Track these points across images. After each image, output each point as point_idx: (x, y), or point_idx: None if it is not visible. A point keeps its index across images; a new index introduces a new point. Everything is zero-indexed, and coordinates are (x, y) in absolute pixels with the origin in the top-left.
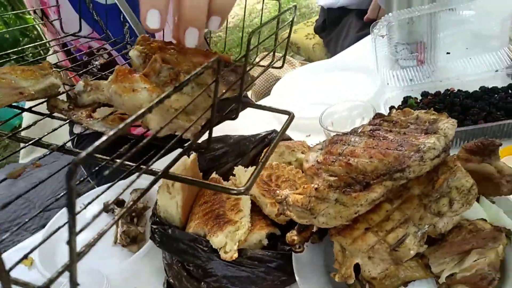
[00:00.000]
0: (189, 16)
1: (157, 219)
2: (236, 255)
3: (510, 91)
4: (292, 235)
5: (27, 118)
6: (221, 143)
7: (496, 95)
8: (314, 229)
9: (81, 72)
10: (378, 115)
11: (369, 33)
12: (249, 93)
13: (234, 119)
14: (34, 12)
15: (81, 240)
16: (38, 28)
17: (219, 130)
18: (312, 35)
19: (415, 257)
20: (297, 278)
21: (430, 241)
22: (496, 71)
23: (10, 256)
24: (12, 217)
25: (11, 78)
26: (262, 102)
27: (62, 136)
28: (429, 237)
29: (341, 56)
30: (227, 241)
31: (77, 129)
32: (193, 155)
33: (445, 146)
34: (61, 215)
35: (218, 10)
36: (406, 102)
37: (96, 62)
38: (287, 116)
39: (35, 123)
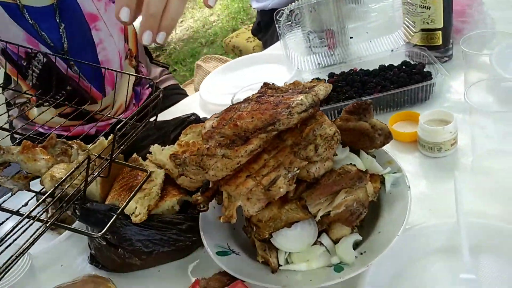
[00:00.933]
0: (145, 22)
1: (79, 196)
2: (145, 217)
3: (403, 67)
4: (196, 196)
5: None
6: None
7: (390, 72)
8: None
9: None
10: (265, 85)
11: None
12: (191, 87)
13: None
14: None
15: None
16: None
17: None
18: (252, 38)
19: (295, 200)
20: (201, 233)
21: (307, 186)
22: (392, 50)
23: None
24: None
25: None
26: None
27: None
28: (305, 182)
29: (267, 51)
30: (136, 206)
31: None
32: (110, 136)
33: (313, 103)
34: None
35: (167, 26)
36: (332, 77)
37: (36, 69)
38: None
39: None
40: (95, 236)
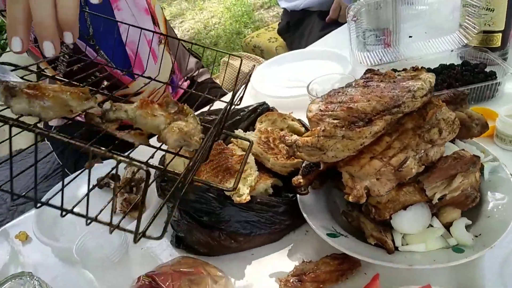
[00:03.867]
0: (38, 32)
1: (165, 178)
2: (249, 197)
3: (463, 67)
4: (297, 179)
5: None
6: (214, 115)
7: (453, 70)
8: (320, 170)
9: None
10: (369, 70)
11: (331, 30)
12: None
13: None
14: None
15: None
16: None
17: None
18: (275, 38)
19: (412, 183)
20: (304, 215)
21: (424, 170)
22: (452, 51)
23: (7, 231)
24: None
25: (65, 97)
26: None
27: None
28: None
29: (309, 48)
30: (240, 186)
31: (52, 122)
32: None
33: (430, 88)
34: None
35: (65, 25)
36: None
37: (66, 55)
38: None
39: None
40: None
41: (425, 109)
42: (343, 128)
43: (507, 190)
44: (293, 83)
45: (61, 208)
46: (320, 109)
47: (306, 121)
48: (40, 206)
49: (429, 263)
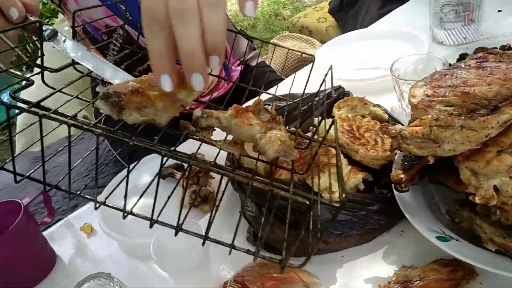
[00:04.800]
0: (186, 64)
1: (242, 170)
2: (343, 195)
3: None
4: (398, 174)
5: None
6: (285, 99)
7: None
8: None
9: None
10: (481, 49)
11: (391, 10)
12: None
13: None
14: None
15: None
16: None
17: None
18: (324, 18)
19: None
20: (407, 215)
21: None
22: None
23: (70, 222)
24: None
25: (174, 92)
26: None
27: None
28: None
29: (372, 27)
30: (332, 182)
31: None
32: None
33: None
34: (114, 182)
35: (214, 49)
36: (463, 59)
37: (116, 42)
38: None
39: None
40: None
41: None
42: (461, 117)
43: None
44: (362, 64)
45: (123, 210)
46: (426, 94)
47: (386, 107)
48: (99, 207)
49: None
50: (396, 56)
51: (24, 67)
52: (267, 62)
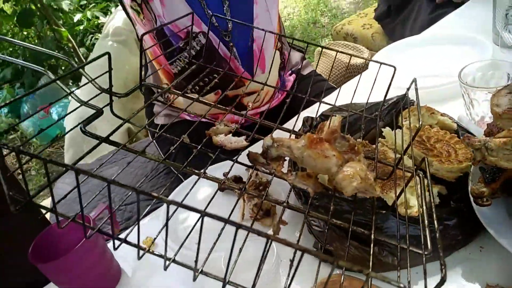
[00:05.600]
0: None
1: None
2: (420, 210)
3: None
4: (479, 188)
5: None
6: (347, 109)
7: None
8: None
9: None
10: None
11: (443, 14)
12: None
13: None
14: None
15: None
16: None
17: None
18: (369, 25)
19: None
20: (490, 230)
21: None
22: None
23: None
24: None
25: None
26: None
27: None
28: None
29: (426, 33)
30: (409, 196)
31: (158, 120)
32: (338, 117)
33: None
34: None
35: None
36: None
37: (192, 50)
38: None
39: None
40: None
41: None
42: None
43: None
44: (421, 72)
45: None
46: None
47: (453, 115)
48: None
49: None
50: (458, 62)
51: (70, 81)
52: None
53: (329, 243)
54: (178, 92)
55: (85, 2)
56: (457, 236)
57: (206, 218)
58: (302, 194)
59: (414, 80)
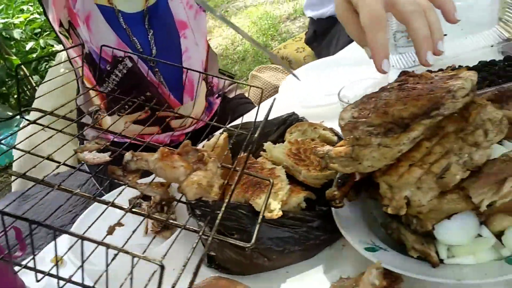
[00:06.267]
0: (423, 45)
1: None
2: (280, 213)
3: (506, 62)
4: (332, 191)
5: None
6: (245, 127)
7: (495, 66)
8: (355, 181)
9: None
10: (404, 73)
11: None
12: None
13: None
14: (60, 25)
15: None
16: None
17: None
18: (302, 48)
19: (456, 190)
20: (341, 230)
21: (469, 175)
22: (492, 46)
23: (42, 256)
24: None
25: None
26: (268, 101)
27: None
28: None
29: (338, 54)
30: (270, 201)
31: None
32: (224, 134)
33: (472, 87)
34: (85, 216)
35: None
36: None
37: (119, 73)
38: None
39: None
40: (246, 246)
41: (467, 110)
42: (379, 136)
43: None
44: (324, 91)
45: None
46: (353, 117)
47: (338, 129)
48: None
49: (480, 277)
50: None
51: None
52: (246, 95)
53: (212, 249)
54: (104, 112)
55: (39, 30)
56: (321, 236)
57: None
58: (190, 207)
59: (274, 99)
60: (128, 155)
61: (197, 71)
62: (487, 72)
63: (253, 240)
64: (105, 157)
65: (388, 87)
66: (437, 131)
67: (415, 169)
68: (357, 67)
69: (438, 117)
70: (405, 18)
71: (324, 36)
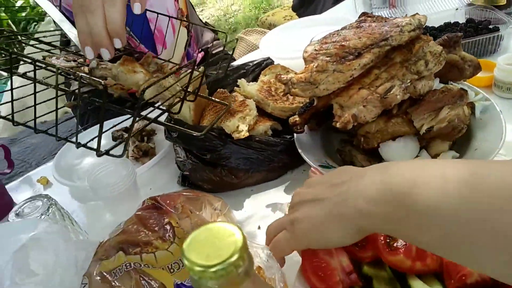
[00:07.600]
0: (95, 42)
1: (172, 120)
2: (247, 134)
3: (468, 24)
4: (294, 118)
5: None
6: (221, 69)
7: (457, 27)
8: (317, 112)
9: None
10: (363, 14)
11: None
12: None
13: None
14: None
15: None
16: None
17: None
18: (290, 16)
19: (400, 115)
20: (299, 151)
21: (411, 102)
22: (457, 9)
23: (29, 177)
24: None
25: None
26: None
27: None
28: (411, 99)
29: (320, 15)
30: (239, 124)
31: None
32: (201, 67)
33: (419, 24)
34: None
35: (113, 33)
36: None
37: None
38: None
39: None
40: (196, 135)
41: (413, 44)
42: (334, 62)
43: (496, 125)
44: (297, 46)
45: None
46: (315, 49)
47: None
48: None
49: None
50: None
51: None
52: (234, 55)
53: (187, 170)
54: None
55: None
56: (283, 160)
57: None
58: (166, 130)
59: (236, 39)
60: (93, 63)
61: (162, 14)
62: (450, 31)
63: (204, 131)
64: (71, 64)
65: (348, 26)
66: (386, 61)
67: (363, 91)
68: (332, 26)
69: (386, 47)
70: None
71: (310, 3)
